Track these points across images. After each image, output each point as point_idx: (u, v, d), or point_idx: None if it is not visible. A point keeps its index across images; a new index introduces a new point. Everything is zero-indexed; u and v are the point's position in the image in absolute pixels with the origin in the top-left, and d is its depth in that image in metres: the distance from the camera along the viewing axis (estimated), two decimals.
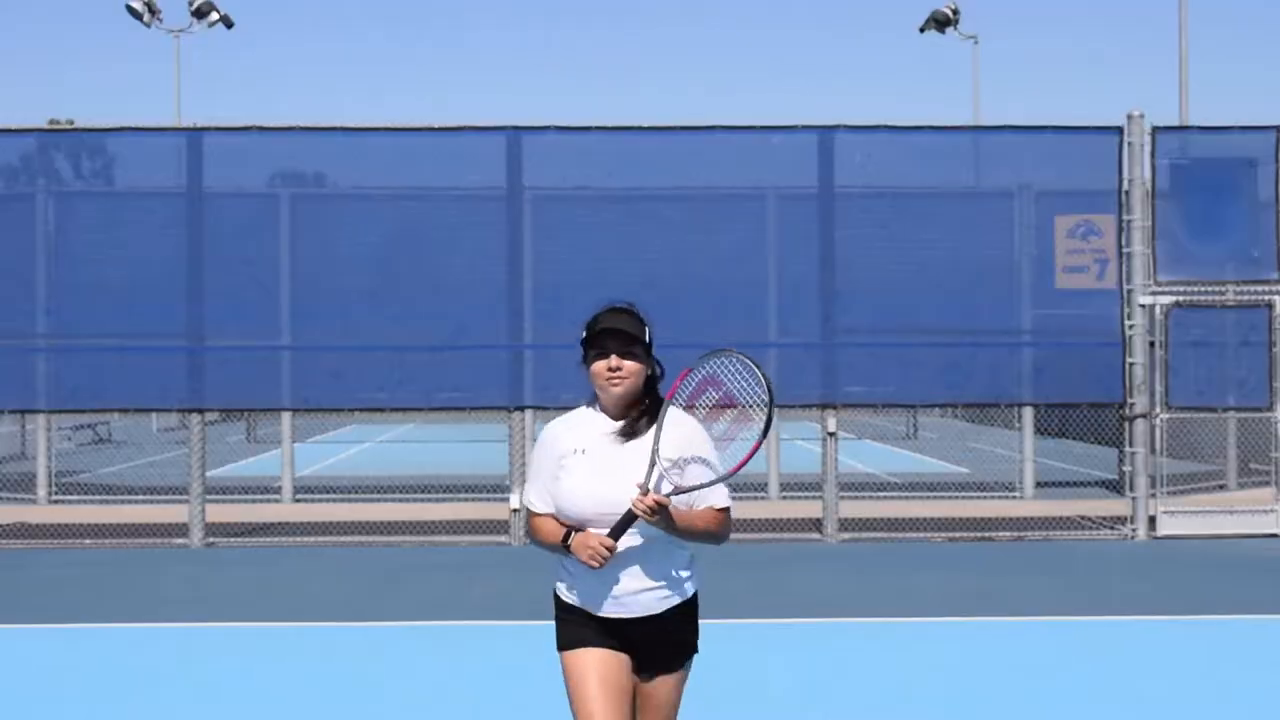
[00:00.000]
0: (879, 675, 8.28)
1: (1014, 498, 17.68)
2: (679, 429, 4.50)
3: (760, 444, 4.43)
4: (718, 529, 4.54)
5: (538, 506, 4.60)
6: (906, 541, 14.17)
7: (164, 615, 10.32)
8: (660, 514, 4.33)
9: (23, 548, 14.09)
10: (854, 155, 14.17)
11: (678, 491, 4.41)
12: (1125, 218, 14.12)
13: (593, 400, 4.64)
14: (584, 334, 4.57)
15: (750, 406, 4.48)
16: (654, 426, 4.50)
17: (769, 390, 4.44)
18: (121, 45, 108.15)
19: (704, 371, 4.55)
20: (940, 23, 35.93)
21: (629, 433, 4.53)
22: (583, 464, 4.51)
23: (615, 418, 4.56)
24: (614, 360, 4.49)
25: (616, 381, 4.49)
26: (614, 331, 4.50)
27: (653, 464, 4.42)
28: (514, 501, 13.85)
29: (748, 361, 4.51)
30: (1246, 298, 14.21)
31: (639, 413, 4.56)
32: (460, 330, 13.94)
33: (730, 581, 11.18)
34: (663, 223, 14.08)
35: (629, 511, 4.34)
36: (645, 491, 4.37)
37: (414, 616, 10.19)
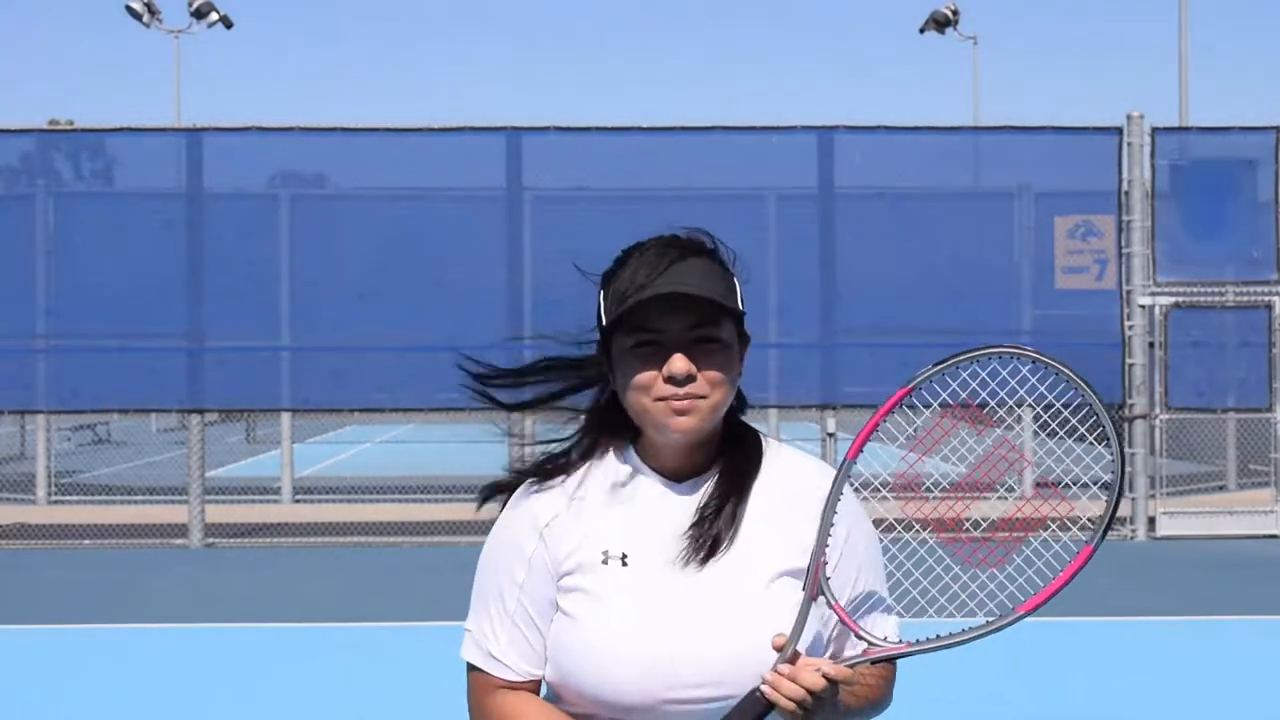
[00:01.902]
0: None
1: (1014, 498, 17.65)
2: (855, 522, 2.51)
3: (1093, 551, 2.44)
4: (883, 695, 2.46)
5: (499, 668, 2.33)
6: (904, 542, 14.15)
7: (164, 615, 10.31)
8: (821, 702, 2.16)
9: (22, 548, 14.09)
10: (854, 156, 14.17)
11: (871, 658, 2.32)
12: (1125, 218, 14.12)
13: (611, 434, 2.37)
14: (604, 301, 2.35)
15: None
16: (770, 501, 2.31)
17: (1112, 424, 2.42)
18: (121, 45, 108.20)
19: (948, 389, 2.49)
20: (940, 23, 35.94)
21: (713, 512, 2.26)
22: (621, 586, 2.22)
23: (675, 476, 2.30)
24: (680, 364, 2.22)
25: (687, 406, 2.22)
26: (679, 298, 2.23)
27: (814, 594, 2.25)
28: None
29: (1058, 368, 2.52)
30: (1246, 298, 14.21)
31: (718, 462, 2.32)
32: (460, 331, 13.93)
33: None
34: (663, 223, 14.00)
35: (756, 699, 2.17)
36: (792, 659, 2.17)
37: (414, 617, 10.19)
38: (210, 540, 14.04)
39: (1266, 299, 14.20)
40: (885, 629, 2.43)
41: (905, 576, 2.61)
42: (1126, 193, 14.16)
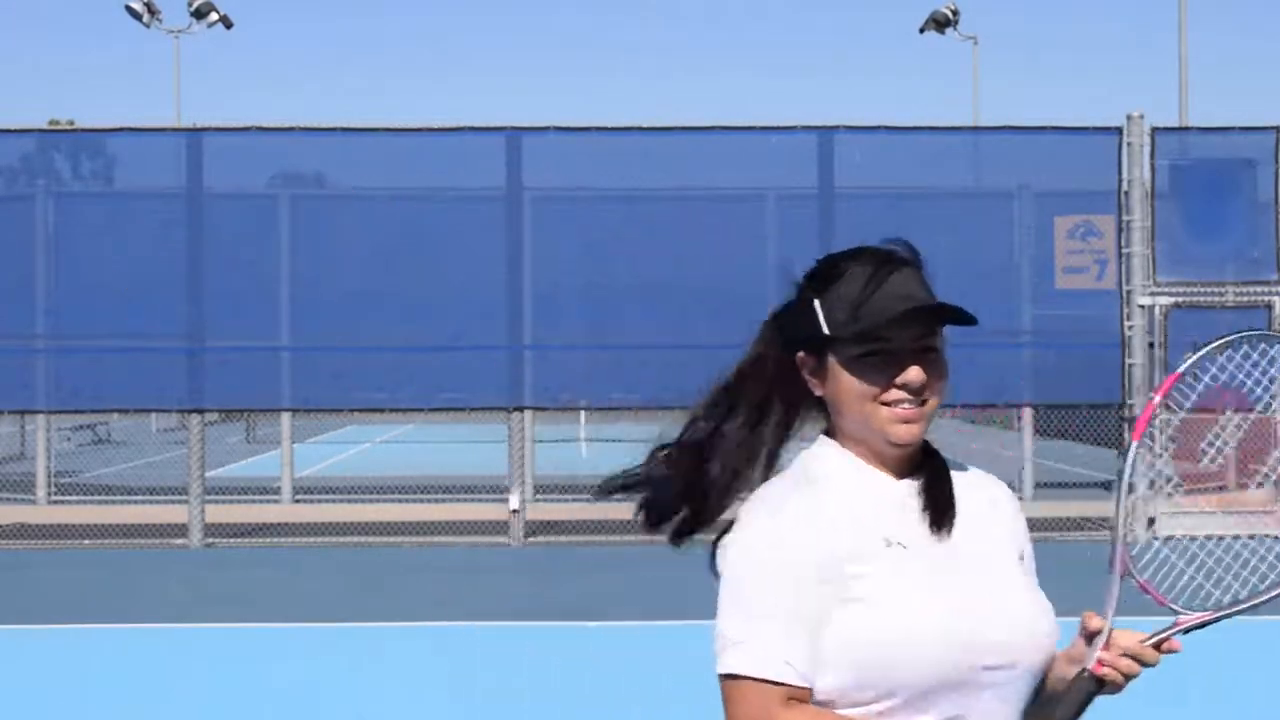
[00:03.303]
0: None
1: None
2: None
3: None
4: None
5: (793, 674, 2.17)
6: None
7: (164, 615, 10.31)
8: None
9: (22, 548, 14.09)
10: (854, 155, 14.18)
11: (1184, 627, 2.47)
12: (1125, 218, 14.12)
13: (818, 443, 2.39)
14: (823, 309, 2.42)
15: None
16: (965, 494, 2.34)
17: None
18: (121, 45, 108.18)
19: (1224, 373, 2.55)
20: (940, 23, 35.93)
21: (941, 492, 2.34)
22: (910, 568, 2.24)
23: (896, 474, 2.34)
24: (916, 374, 2.32)
25: (914, 415, 2.30)
26: (920, 313, 2.42)
27: (1123, 572, 2.44)
28: (513, 502, 13.82)
29: None
30: (1246, 298, 14.20)
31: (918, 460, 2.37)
32: (460, 330, 13.94)
33: None
34: (662, 223, 14.07)
35: (1086, 680, 2.38)
36: (1108, 638, 2.41)
37: (414, 616, 10.19)
38: (210, 540, 14.04)
39: (1266, 299, 14.20)
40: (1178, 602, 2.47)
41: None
42: (1126, 193, 14.16)
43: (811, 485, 2.31)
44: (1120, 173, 14.13)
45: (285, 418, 17.86)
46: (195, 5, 34.86)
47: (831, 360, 2.34)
